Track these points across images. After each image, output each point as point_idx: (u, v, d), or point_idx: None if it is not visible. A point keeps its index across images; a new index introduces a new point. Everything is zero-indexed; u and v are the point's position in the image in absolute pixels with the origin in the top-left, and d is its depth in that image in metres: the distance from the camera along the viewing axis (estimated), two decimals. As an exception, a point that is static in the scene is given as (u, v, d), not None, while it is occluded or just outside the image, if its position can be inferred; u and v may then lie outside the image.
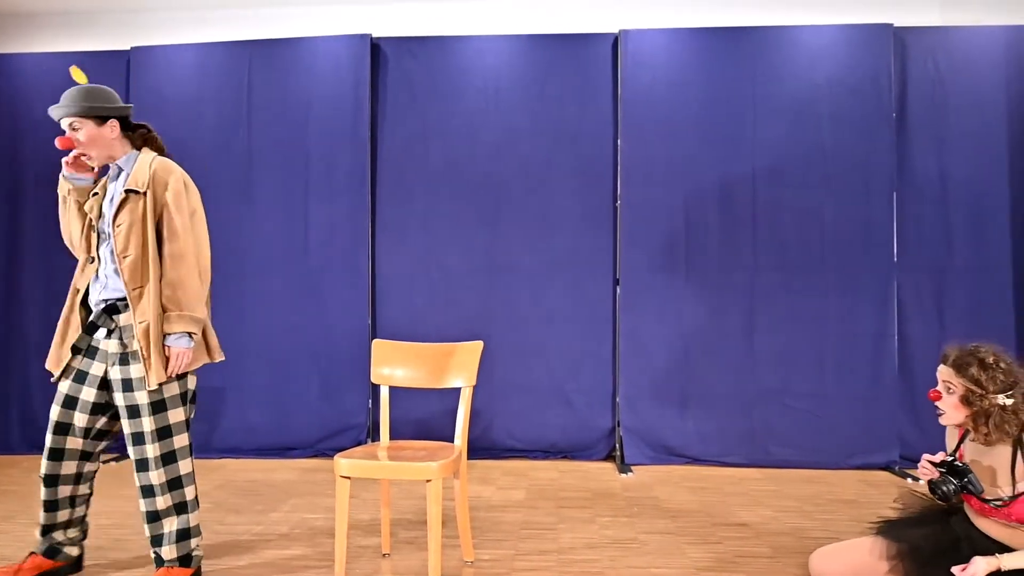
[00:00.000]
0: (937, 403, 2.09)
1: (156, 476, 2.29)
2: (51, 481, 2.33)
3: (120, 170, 2.40)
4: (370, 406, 4.28)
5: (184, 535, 2.34)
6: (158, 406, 2.28)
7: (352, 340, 4.29)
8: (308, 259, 4.34)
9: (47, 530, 2.38)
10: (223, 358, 2.49)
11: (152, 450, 2.28)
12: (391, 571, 2.49)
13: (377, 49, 4.38)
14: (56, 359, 2.36)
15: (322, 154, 4.34)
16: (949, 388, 2.05)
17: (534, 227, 4.26)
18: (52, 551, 2.39)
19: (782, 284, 4.09)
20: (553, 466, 4.05)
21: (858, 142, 4.09)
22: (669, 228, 4.16)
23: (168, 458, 2.30)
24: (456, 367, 2.60)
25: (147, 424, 2.27)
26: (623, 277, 4.17)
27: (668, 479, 3.77)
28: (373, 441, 4.28)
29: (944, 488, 1.97)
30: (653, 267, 4.16)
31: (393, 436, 4.13)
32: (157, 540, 2.33)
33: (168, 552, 2.32)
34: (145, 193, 2.29)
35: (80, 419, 2.32)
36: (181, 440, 2.34)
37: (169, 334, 2.27)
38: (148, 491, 2.30)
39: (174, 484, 2.32)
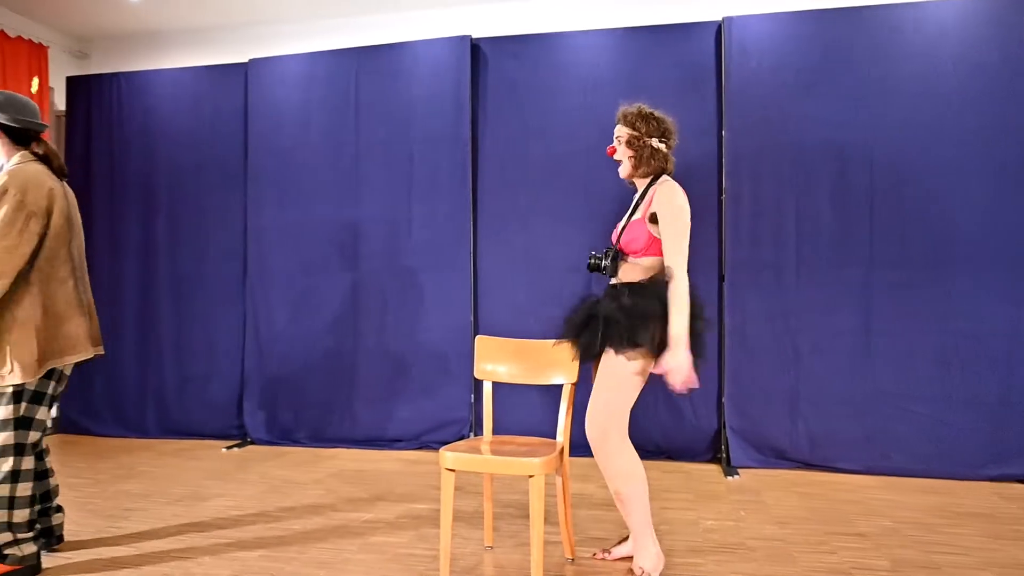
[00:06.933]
0: (615, 157, 2.50)
1: None
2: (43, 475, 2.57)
3: None
4: (472, 400, 4.36)
5: (2, 528, 2.32)
6: None
7: (455, 336, 4.38)
8: (412, 257, 4.46)
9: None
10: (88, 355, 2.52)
11: None
12: (494, 564, 2.53)
13: (477, 49, 4.44)
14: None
15: (425, 155, 4.46)
16: (618, 139, 2.48)
17: (634, 223, 4.18)
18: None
19: (901, 280, 3.83)
20: (656, 466, 3.98)
21: (989, 125, 3.76)
22: (777, 222, 3.98)
23: None
24: (558, 363, 2.62)
25: None
26: (729, 273, 4.04)
27: (776, 483, 3.62)
28: (475, 435, 4.36)
29: (595, 262, 2.48)
30: (760, 263, 4.00)
31: (495, 431, 4.18)
32: None
33: None
34: None
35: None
36: (8, 438, 2.33)
37: None
38: None
39: None
